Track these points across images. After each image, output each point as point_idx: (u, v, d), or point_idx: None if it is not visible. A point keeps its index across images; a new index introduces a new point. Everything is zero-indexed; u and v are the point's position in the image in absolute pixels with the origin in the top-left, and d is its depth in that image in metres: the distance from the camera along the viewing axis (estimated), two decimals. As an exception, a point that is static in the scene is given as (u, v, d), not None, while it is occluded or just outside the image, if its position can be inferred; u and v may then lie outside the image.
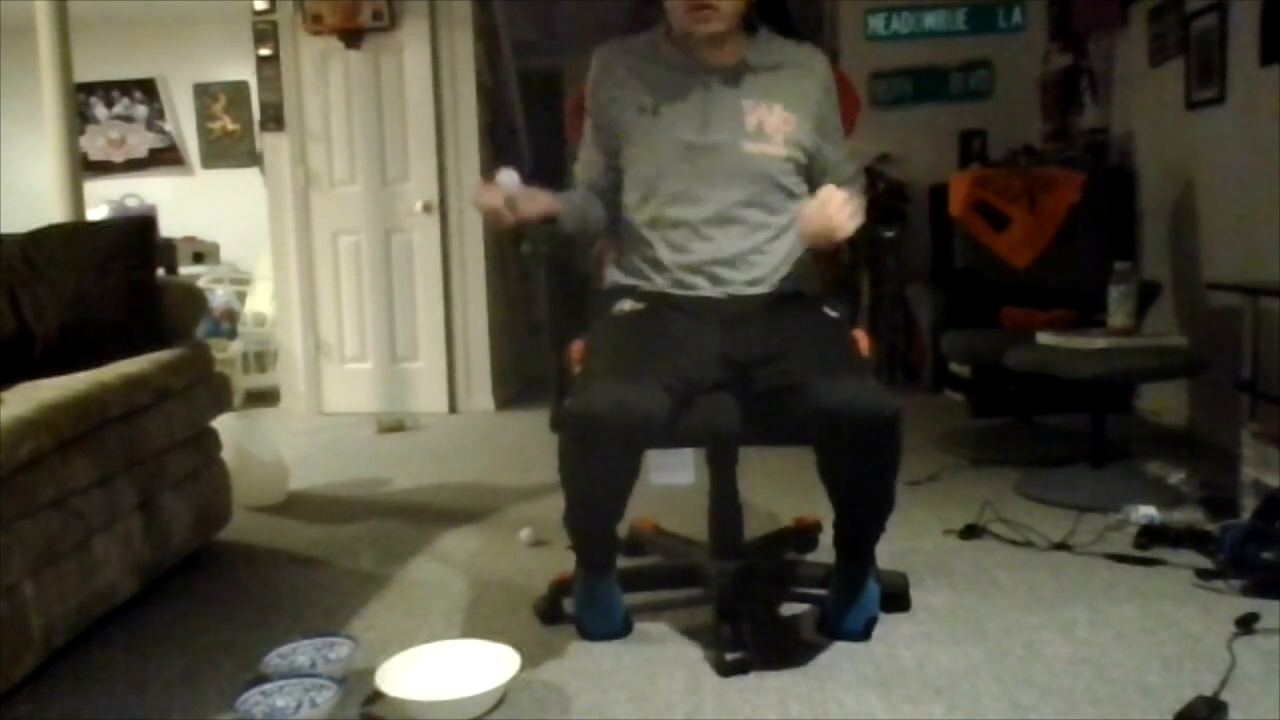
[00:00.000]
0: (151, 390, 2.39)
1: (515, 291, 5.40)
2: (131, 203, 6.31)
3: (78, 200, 3.64)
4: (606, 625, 2.06)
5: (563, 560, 2.32)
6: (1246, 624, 2.00)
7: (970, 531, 2.67)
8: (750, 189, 2.05)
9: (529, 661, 1.90)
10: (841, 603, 2.02)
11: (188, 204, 6.50)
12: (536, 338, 5.35)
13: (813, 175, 2.13)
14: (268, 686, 1.80)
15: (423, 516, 3.07)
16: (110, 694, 1.91)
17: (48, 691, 1.92)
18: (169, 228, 5.76)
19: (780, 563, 2.41)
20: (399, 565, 2.60)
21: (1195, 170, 3.71)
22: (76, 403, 2.09)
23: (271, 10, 4.84)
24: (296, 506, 3.25)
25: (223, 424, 2.81)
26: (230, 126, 6.68)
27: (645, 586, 2.25)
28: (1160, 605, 2.15)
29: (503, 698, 1.80)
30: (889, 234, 2.18)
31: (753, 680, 1.86)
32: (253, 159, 6.31)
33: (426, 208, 4.83)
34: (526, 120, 5.50)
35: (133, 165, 6.76)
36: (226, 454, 2.83)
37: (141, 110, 6.74)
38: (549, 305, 2.13)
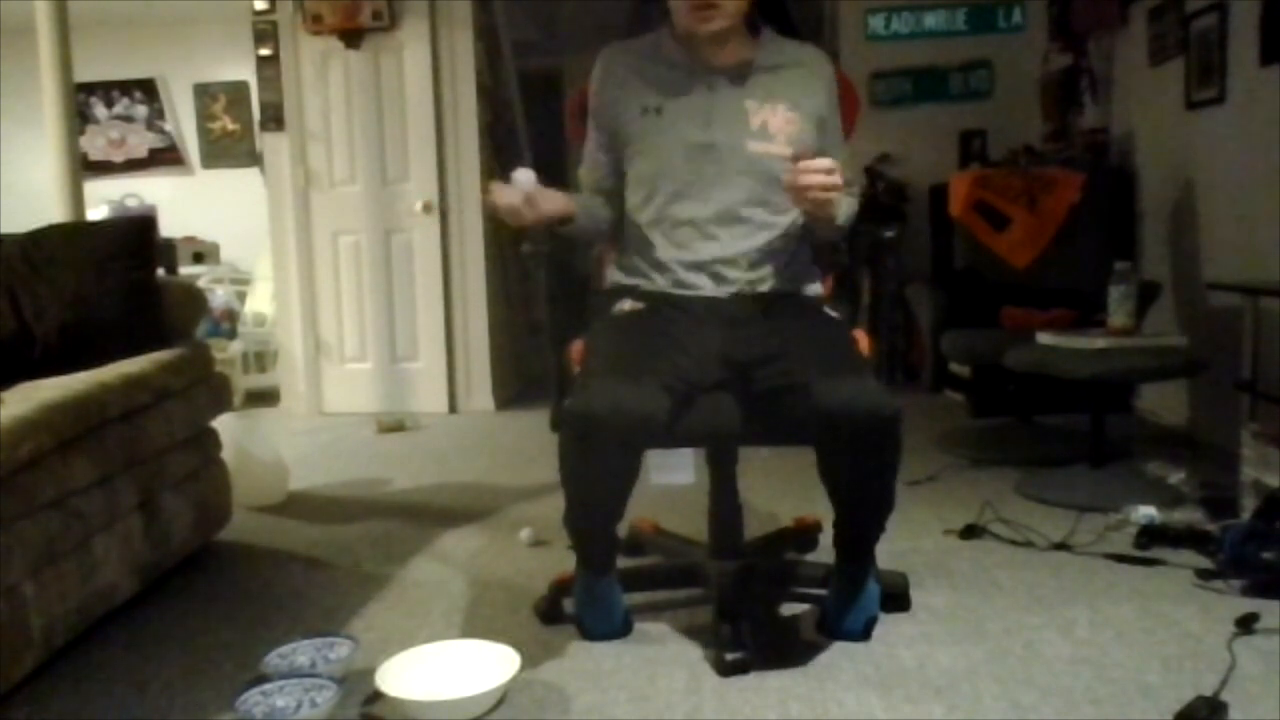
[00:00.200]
0: (151, 390, 2.39)
1: (515, 291, 5.40)
2: (131, 203, 6.31)
3: (78, 200, 3.63)
4: (606, 625, 2.06)
5: (563, 560, 2.32)
6: (1246, 624, 2.00)
7: (970, 531, 2.67)
8: (754, 189, 2.05)
9: (529, 661, 1.90)
10: (841, 603, 2.02)
11: (188, 204, 6.50)
12: (536, 338, 5.35)
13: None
14: (268, 686, 1.80)
15: (423, 516, 3.07)
16: (110, 694, 1.91)
17: (48, 691, 1.92)
18: (169, 228, 5.76)
19: (780, 563, 2.41)
20: (399, 565, 2.60)
21: (1195, 170, 3.71)
22: (76, 403, 2.09)
23: (271, 10, 4.84)
24: (296, 506, 3.25)
25: (223, 424, 2.81)
26: (230, 126, 6.69)
27: (645, 586, 2.25)
28: (1160, 605, 2.15)
29: (503, 698, 1.80)
30: (889, 234, 2.18)
31: (753, 680, 1.86)
32: (253, 159, 6.32)
33: (426, 208, 4.83)
34: (526, 120, 5.50)
35: (133, 165, 6.76)
36: (226, 454, 2.83)
37: (141, 110, 6.74)
38: (549, 305, 2.13)
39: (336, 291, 4.96)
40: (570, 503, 1.94)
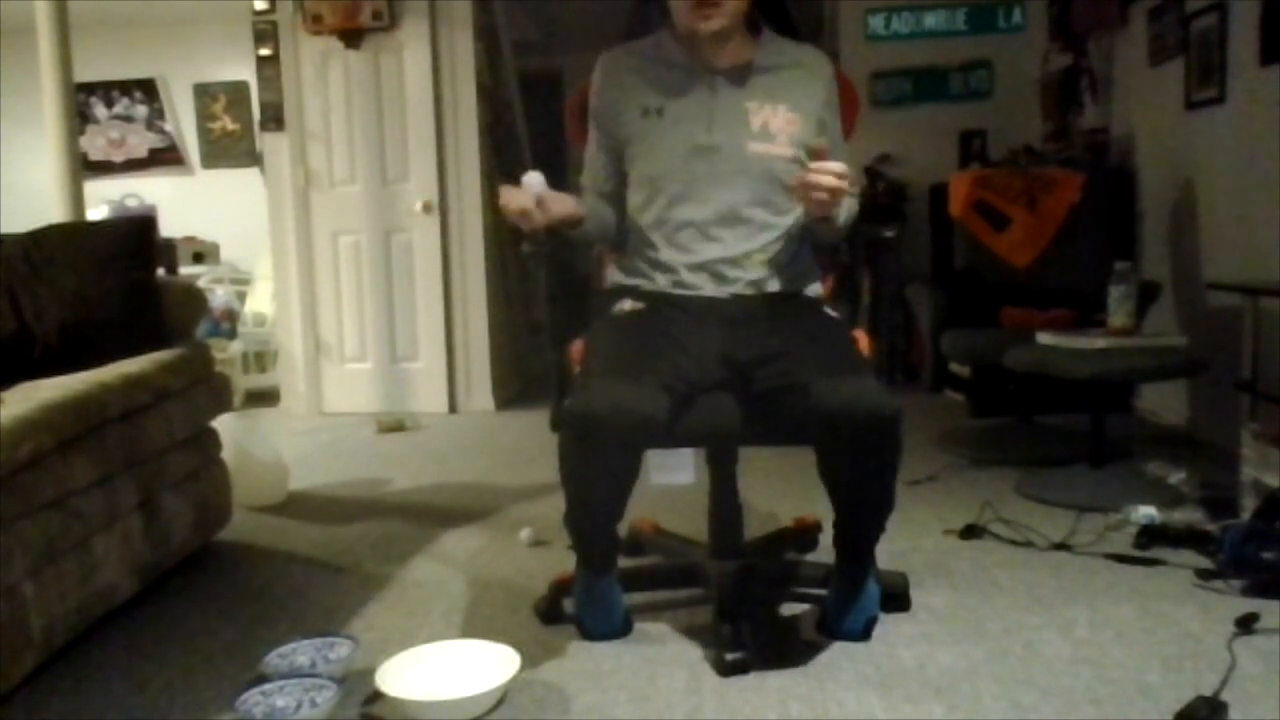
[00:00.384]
0: (151, 390, 2.39)
1: (515, 291, 5.40)
2: (131, 203, 6.31)
3: (78, 200, 3.63)
4: (606, 625, 2.06)
5: (563, 560, 2.32)
6: (1246, 624, 2.00)
7: (970, 531, 2.67)
8: (755, 189, 2.05)
9: (529, 661, 1.90)
10: (841, 603, 2.02)
11: (188, 204, 6.50)
12: (536, 338, 5.35)
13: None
14: (268, 686, 1.80)
15: (423, 516, 3.07)
16: (110, 694, 1.91)
17: (48, 691, 1.92)
18: (169, 228, 5.76)
19: (780, 563, 2.41)
20: (399, 565, 2.60)
21: (1195, 170, 3.71)
22: (76, 403, 2.09)
23: (271, 10, 4.84)
24: (296, 506, 3.25)
25: (223, 424, 2.81)
26: (230, 126, 6.68)
27: (645, 586, 2.25)
28: (1160, 605, 2.15)
29: (503, 698, 1.80)
30: (889, 234, 2.18)
31: (753, 680, 1.86)
32: (253, 159, 6.32)
33: (426, 208, 4.83)
34: (526, 120, 5.50)
35: (133, 165, 6.76)
36: (226, 454, 2.83)
37: (141, 110, 6.74)
38: (549, 305, 2.13)
39: (336, 291, 4.96)
40: (570, 503, 1.94)
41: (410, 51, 4.80)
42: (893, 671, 1.88)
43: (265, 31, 4.87)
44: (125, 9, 6.08)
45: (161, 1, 6.09)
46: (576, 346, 2.12)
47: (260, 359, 5.49)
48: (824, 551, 2.42)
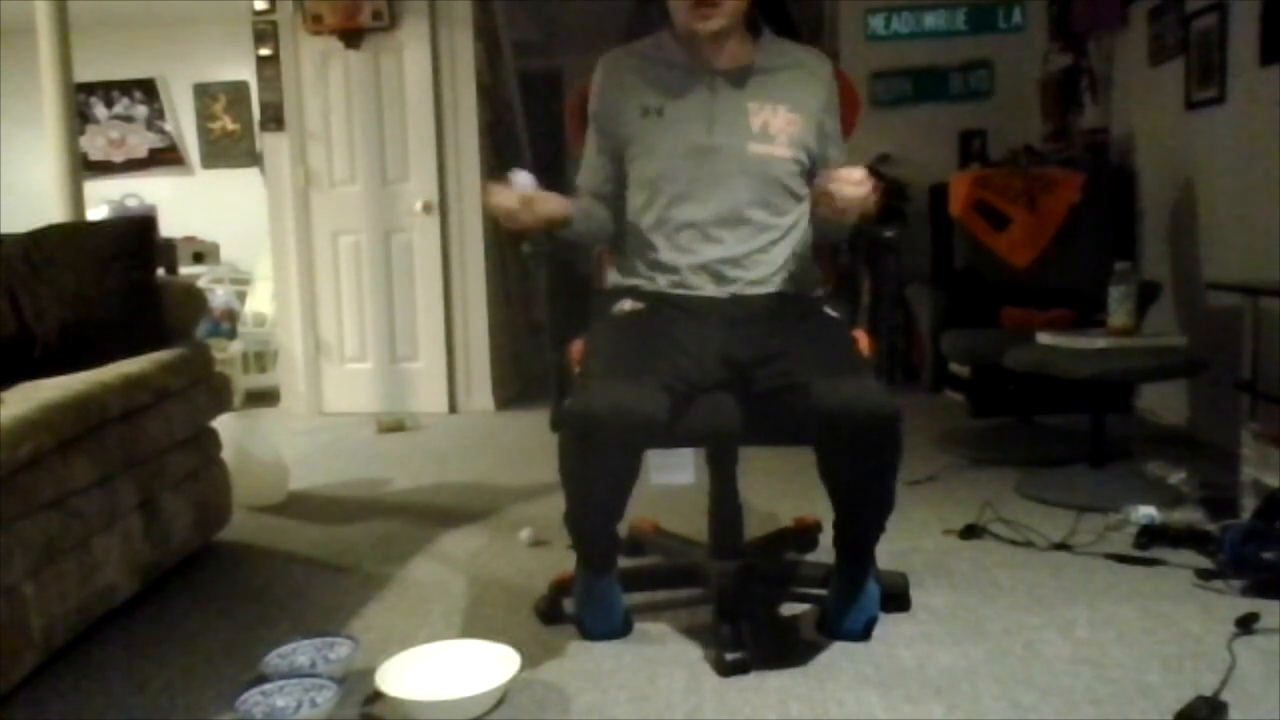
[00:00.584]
0: (151, 390, 2.39)
1: (515, 291, 5.40)
2: (131, 203, 6.31)
3: (78, 200, 3.63)
4: (606, 625, 2.06)
5: (563, 560, 2.32)
6: (1246, 624, 1.99)
7: (970, 531, 2.67)
8: (756, 190, 2.05)
9: (529, 661, 1.90)
10: (841, 603, 2.02)
11: (188, 204, 6.50)
12: (536, 338, 5.35)
13: (812, 178, 2.13)
14: (268, 686, 1.80)
15: (423, 516, 3.07)
16: (110, 694, 1.91)
17: (48, 691, 1.92)
18: (169, 228, 5.75)
19: (780, 563, 2.41)
20: (399, 565, 2.60)
21: (1195, 170, 3.71)
22: (76, 403, 2.09)
23: (271, 10, 4.84)
24: (296, 506, 3.25)
25: (223, 424, 2.81)
26: (230, 126, 6.69)
27: (645, 586, 2.25)
28: (1160, 605, 2.15)
29: (503, 698, 1.80)
30: (889, 234, 2.18)
31: (753, 680, 1.86)
32: (253, 159, 6.32)
33: (426, 208, 4.83)
34: (526, 120, 5.50)
35: (133, 165, 6.76)
36: (226, 454, 2.83)
37: (141, 110, 6.74)
38: (549, 305, 2.13)
39: (336, 291, 4.96)
40: (570, 502, 1.94)
41: (410, 51, 4.80)
42: (893, 671, 1.88)
43: (265, 31, 4.87)
44: (125, 9, 6.08)
45: (161, 1, 6.09)
46: (576, 346, 2.12)
47: (260, 359, 5.49)
48: (824, 551, 2.42)
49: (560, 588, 2.17)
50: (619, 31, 2.27)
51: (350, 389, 4.98)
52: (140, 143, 6.76)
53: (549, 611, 2.17)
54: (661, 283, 2.09)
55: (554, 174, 2.18)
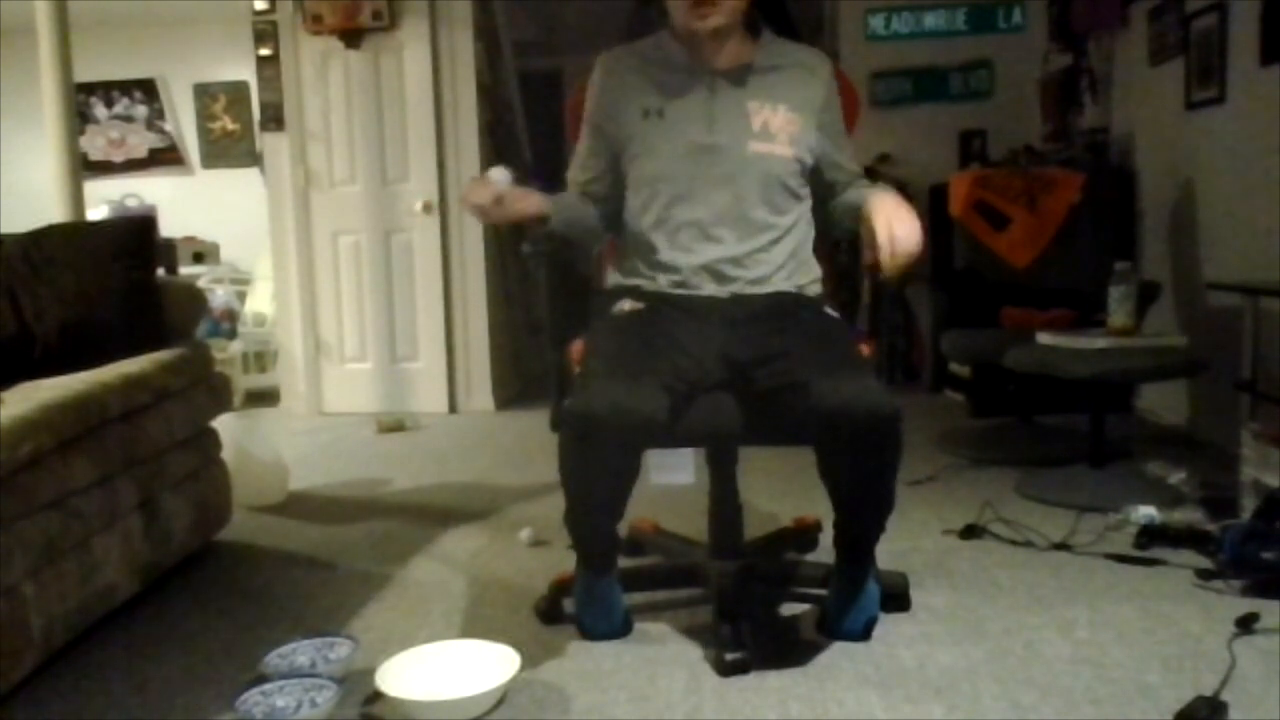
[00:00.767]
0: (151, 390, 2.39)
1: (515, 291, 5.40)
2: (131, 203, 6.31)
3: (78, 200, 3.63)
4: (606, 625, 2.06)
5: (563, 560, 2.32)
6: (1246, 624, 2.00)
7: (970, 531, 2.67)
8: (756, 189, 2.05)
9: (529, 661, 1.90)
10: (841, 603, 2.02)
11: (188, 204, 6.50)
12: (536, 338, 5.35)
13: (818, 177, 2.13)
14: (268, 686, 1.80)
15: (423, 516, 3.07)
16: (110, 694, 1.91)
17: (48, 691, 1.92)
18: (169, 228, 5.75)
19: (780, 563, 2.41)
20: (399, 565, 2.60)
21: (1195, 170, 3.71)
22: (76, 403, 2.09)
23: (271, 10, 4.84)
24: (296, 506, 3.25)
25: (223, 424, 2.81)
26: (230, 126, 6.68)
27: (645, 586, 2.25)
28: (1160, 605, 2.15)
29: (503, 698, 1.80)
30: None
31: (753, 680, 1.86)
32: (253, 159, 6.32)
33: (426, 208, 4.83)
34: (526, 120, 5.50)
35: (133, 165, 6.76)
36: (226, 454, 2.83)
37: (141, 110, 6.74)
38: (549, 305, 2.13)
39: (336, 291, 4.96)
40: (570, 502, 1.94)
41: (410, 51, 4.80)
42: (893, 671, 1.88)
43: (265, 31, 4.87)
44: (125, 9, 6.08)
45: (161, 1, 6.09)
46: (576, 346, 2.12)
47: (260, 359, 5.49)
48: (824, 551, 2.42)
49: (560, 588, 2.17)
50: (619, 31, 2.27)
51: (350, 389, 4.98)
52: (140, 143, 6.76)
53: (549, 611, 2.17)
54: (662, 282, 2.08)
55: (554, 174, 2.17)
